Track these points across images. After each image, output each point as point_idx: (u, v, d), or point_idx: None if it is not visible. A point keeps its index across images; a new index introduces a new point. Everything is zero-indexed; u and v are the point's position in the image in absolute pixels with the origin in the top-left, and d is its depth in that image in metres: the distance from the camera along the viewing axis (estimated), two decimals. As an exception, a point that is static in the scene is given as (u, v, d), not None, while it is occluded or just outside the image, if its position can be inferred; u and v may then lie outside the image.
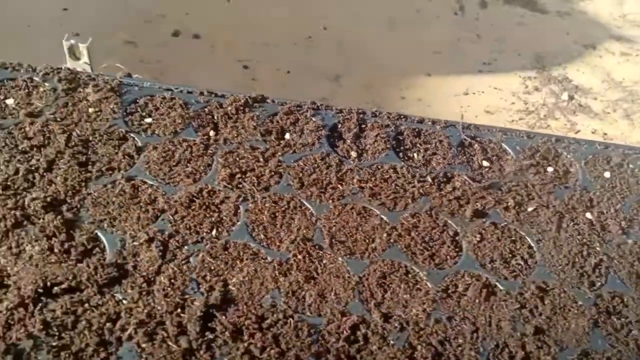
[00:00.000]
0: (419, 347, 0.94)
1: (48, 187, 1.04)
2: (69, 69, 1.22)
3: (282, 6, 3.09)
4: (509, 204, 1.16)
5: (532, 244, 1.12)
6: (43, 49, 2.49)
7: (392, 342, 0.95)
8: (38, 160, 1.07)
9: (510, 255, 1.09)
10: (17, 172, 1.05)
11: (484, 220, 1.13)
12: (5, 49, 2.53)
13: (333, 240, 1.06)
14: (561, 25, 3.42)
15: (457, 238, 1.10)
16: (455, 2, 3.34)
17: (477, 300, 1.02)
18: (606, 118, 2.97)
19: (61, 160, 1.07)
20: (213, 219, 1.06)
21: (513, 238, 1.12)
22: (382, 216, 1.11)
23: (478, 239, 1.10)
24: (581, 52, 3.29)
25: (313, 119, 1.25)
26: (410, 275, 1.04)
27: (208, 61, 2.74)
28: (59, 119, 1.14)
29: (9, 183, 1.03)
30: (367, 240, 1.07)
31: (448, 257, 1.07)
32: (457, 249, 1.08)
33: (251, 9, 3.07)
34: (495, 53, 3.10)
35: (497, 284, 1.05)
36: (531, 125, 2.82)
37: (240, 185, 1.12)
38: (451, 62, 3.00)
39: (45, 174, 1.05)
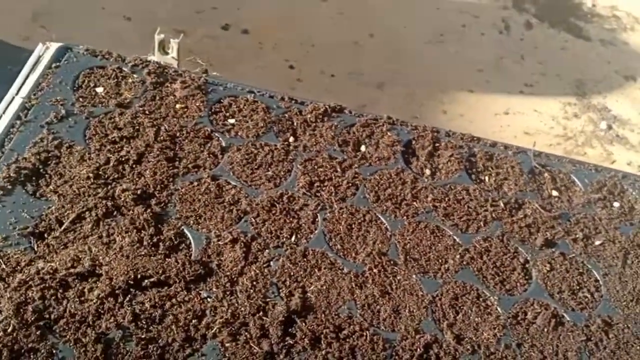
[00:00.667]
0: (489, 371, 0.96)
1: (138, 179, 1.06)
2: (157, 62, 1.24)
3: (332, 9, 3.11)
4: (578, 236, 1.18)
5: (599, 278, 1.14)
6: (95, 31, 2.52)
7: (464, 363, 0.97)
8: (128, 152, 1.09)
9: (578, 287, 1.11)
10: (107, 161, 1.07)
11: (553, 250, 1.15)
12: (60, 25, 2.56)
13: (407, 256, 1.08)
14: (603, 53, 3.43)
15: (527, 266, 1.12)
16: (501, 21, 3.35)
17: (545, 330, 1.04)
18: (643, 150, 2.98)
19: (150, 154, 1.10)
20: (292, 225, 1.08)
21: (581, 270, 1.14)
22: (455, 237, 1.13)
23: (548, 269, 1.12)
24: (621, 82, 3.30)
25: (389, 133, 1.27)
26: (481, 299, 1.06)
27: (255, 57, 2.76)
28: (147, 112, 1.16)
29: (100, 172, 1.05)
30: (440, 260, 1.09)
31: (518, 284, 1.09)
32: (527, 277, 1.10)
33: (301, 9, 3.10)
34: (537, 75, 3.11)
35: (564, 314, 1.07)
36: (568, 152, 2.84)
37: (319, 194, 1.14)
38: (494, 80, 3.01)
39: (135, 166, 1.08)
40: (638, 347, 1.05)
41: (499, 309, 1.05)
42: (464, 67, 3.04)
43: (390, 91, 2.84)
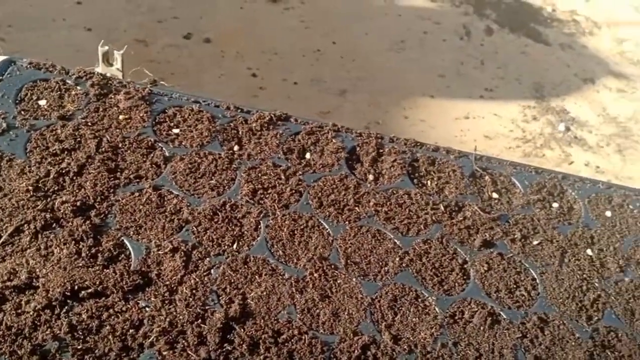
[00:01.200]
0: (426, 370, 0.99)
1: (77, 191, 1.07)
2: (101, 74, 1.25)
3: (294, 18, 3.14)
4: (516, 236, 1.22)
5: (536, 277, 1.17)
6: (55, 42, 2.51)
7: (400, 363, 0.99)
8: (69, 164, 1.10)
9: (515, 286, 1.14)
10: (47, 174, 1.08)
11: (491, 250, 1.19)
12: (22, 41, 2.55)
13: (348, 260, 1.11)
14: (563, 57, 3.51)
15: (465, 266, 1.15)
16: (462, 27, 3.42)
17: (482, 328, 1.07)
18: (599, 151, 3.06)
19: (91, 166, 1.11)
20: (235, 232, 1.10)
21: (518, 270, 1.17)
22: (396, 240, 1.16)
23: (485, 268, 1.15)
24: (580, 85, 3.39)
25: (334, 140, 1.30)
26: (420, 300, 1.08)
27: (217, 66, 2.78)
28: (90, 124, 1.17)
29: (39, 185, 1.06)
30: (380, 263, 1.12)
31: (456, 284, 1.12)
32: (465, 277, 1.13)
33: (264, 18, 3.12)
34: (497, 80, 3.18)
35: (501, 313, 1.10)
36: (527, 153, 2.90)
37: (262, 202, 1.16)
38: (454, 85, 3.07)
39: (75, 178, 1.09)
40: (573, 343, 1.09)
41: (436, 309, 1.07)
42: (425, 73, 3.10)
43: (352, 98, 2.88)
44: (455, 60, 3.20)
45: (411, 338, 1.03)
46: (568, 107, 3.20)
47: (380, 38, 3.21)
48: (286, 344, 0.97)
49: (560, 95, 3.24)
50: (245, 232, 1.11)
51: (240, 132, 1.26)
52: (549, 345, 1.07)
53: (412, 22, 3.36)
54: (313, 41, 3.07)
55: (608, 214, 1.33)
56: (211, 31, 2.92)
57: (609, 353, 1.09)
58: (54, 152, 1.12)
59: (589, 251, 1.24)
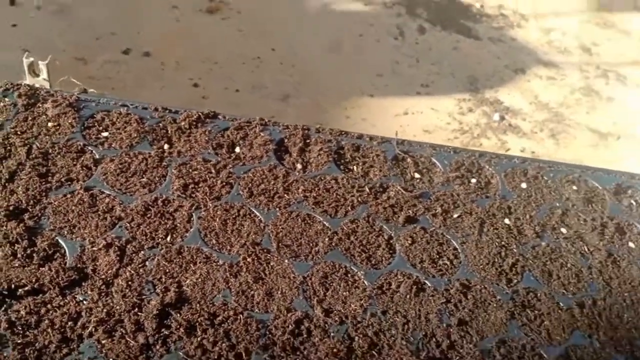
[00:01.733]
0: (356, 338, 1.05)
1: (10, 196, 1.10)
2: (28, 85, 1.28)
3: (231, 27, 3.20)
4: (437, 211, 1.30)
5: (457, 247, 1.25)
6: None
7: (332, 334, 1.05)
8: (0, 171, 1.12)
9: (438, 257, 1.22)
10: (-22, 182, 1.10)
11: (415, 225, 1.27)
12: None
13: (280, 244, 1.16)
14: (493, 50, 3.68)
15: (391, 242, 1.23)
16: (396, 28, 3.55)
17: (408, 296, 1.14)
18: (534, 137, 3.22)
19: (22, 172, 1.13)
20: (168, 225, 1.14)
21: (440, 241, 1.25)
22: (325, 222, 1.22)
23: (410, 242, 1.23)
24: (512, 76, 3.56)
25: (262, 134, 1.36)
26: (349, 275, 1.15)
27: (158, 79, 2.81)
28: (19, 133, 1.20)
29: (-29, 193, 1.08)
30: (311, 244, 1.18)
31: (383, 258, 1.19)
32: (391, 251, 1.21)
33: (201, 29, 3.17)
34: (432, 76, 3.31)
35: (426, 281, 1.18)
36: (465, 144, 3.03)
37: (194, 195, 1.20)
38: (392, 84, 3.19)
39: (7, 184, 1.11)
40: (495, 305, 1.17)
41: (365, 282, 1.14)
42: (363, 74, 3.20)
43: (295, 102, 2.95)
44: (391, 59, 3.32)
45: (342, 310, 1.09)
46: (501, 97, 3.35)
47: (318, 42, 3.30)
48: (222, 325, 1.02)
49: (493, 86, 3.39)
50: (178, 224, 1.16)
51: (169, 132, 1.31)
52: (472, 308, 1.15)
53: (348, 25, 3.46)
54: (252, 49, 3.14)
55: (524, 185, 1.43)
56: (150, 45, 2.95)
57: (529, 312, 1.18)
58: (-16, 161, 1.14)
59: (506, 220, 1.34)
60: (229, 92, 2.88)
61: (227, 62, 3.01)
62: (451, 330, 1.11)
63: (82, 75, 2.95)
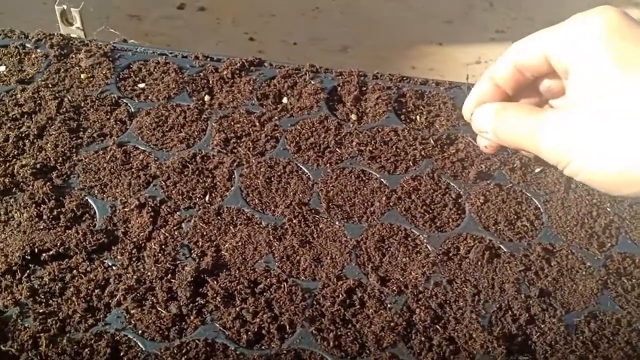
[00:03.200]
0: (417, 311, 0.91)
1: (38, 153, 1.02)
2: (61, 34, 1.19)
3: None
4: (515, 165, 1.12)
5: (539, 206, 1.07)
6: (46, 24, 2.47)
7: (389, 305, 0.92)
8: (29, 127, 1.05)
9: (516, 217, 1.05)
10: (7, 139, 1.03)
11: (488, 182, 1.09)
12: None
13: (330, 204, 1.03)
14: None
15: (459, 201, 1.06)
16: (468, -31, 3.24)
17: (479, 263, 0.98)
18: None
19: (52, 127, 1.05)
20: (206, 184, 1.03)
21: (519, 200, 1.08)
22: (382, 179, 1.07)
23: (482, 201, 1.06)
24: (599, 18, 3.18)
25: (312, 82, 1.21)
26: (409, 239, 1.00)
27: (214, 34, 2.70)
28: (50, 86, 1.11)
29: (-1, 150, 1.01)
30: (365, 204, 1.04)
31: (450, 220, 1.03)
32: (459, 212, 1.05)
33: (257, -19, 3.02)
34: (508, 20, 3.01)
35: (501, 246, 1.01)
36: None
37: (235, 150, 1.08)
38: (463, 31, 2.91)
39: (35, 140, 1.03)
40: (583, 272, 0.99)
41: (428, 247, 0.99)
42: (431, 21, 2.95)
43: (355, 53, 2.76)
44: (462, 4, 3.04)
45: (401, 279, 0.95)
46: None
47: (381, -13, 3.07)
48: (264, 294, 0.91)
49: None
50: (218, 183, 1.04)
51: (210, 82, 1.19)
52: (556, 276, 0.98)
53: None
54: (308, 1, 2.96)
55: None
56: (205, -1, 2.84)
57: (625, 280, 0.99)
58: (14, 116, 1.06)
59: (599, 175, 1.13)
60: (286, 45, 2.73)
61: (284, 15, 2.85)
62: (531, 302, 0.94)
63: (138, 32, 2.88)
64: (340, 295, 0.91)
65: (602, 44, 0.55)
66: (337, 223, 1.01)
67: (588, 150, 0.54)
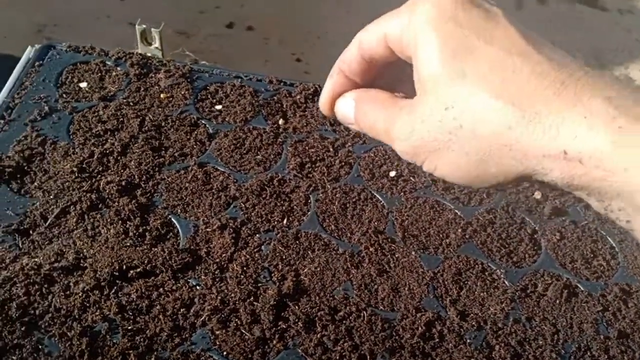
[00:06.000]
0: (497, 347, 0.91)
1: (122, 170, 1.04)
2: (140, 54, 1.22)
3: (335, 2, 3.06)
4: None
5: (614, 245, 1.06)
6: (100, 38, 2.52)
7: (469, 340, 0.91)
8: (112, 144, 1.07)
9: (592, 256, 1.04)
10: (92, 155, 1.05)
11: (563, 218, 1.09)
12: (66, 36, 2.58)
13: (406, 233, 1.03)
14: (622, 23, 3.30)
15: (535, 236, 1.06)
16: (513, -2, 3.26)
17: (557, 301, 0.97)
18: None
19: (135, 145, 1.07)
20: (284, 207, 1.04)
21: (594, 238, 1.07)
22: (456, 211, 1.07)
23: (558, 238, 1.05)
24: (644, 51, 3.17)
25: (383, 109, 1.22)
26: (487, 273, 1.00)
27: (261, 53, 2.74)
28: (131, 104, 1.14)
29: (84, 166, 1.03)
30: (441, 235, 1.04)
31: (526, 255, 1.03)
32: (535, 248, 1.04)
33: (304, 3, 3.06)
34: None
35: (578, 284, 1.00)
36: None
37: (310, 175, 1.10)
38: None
39: (119, 157, 1.05)
40: (661, 316, 0.98)
41: (506, 282, 0.99)
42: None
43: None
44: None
45: (480, 314, 0.95)
46: (633, 74, 2.99)
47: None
48: (344, 322, 0.91)
49: (622, 62, 3.04)
50: (295, 207, 1.05)
51: (284, 106, 1.21)
52: (634, 318, 0.97)
53: (459, -3, 3.22)
54: (356, 24, 2.96)
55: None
56: (253, 19, 2.88)
57: None
58: (97, 133, 1.09)
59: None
60: (331, 66, 2.76)
61: (330, 37, 2.88)
62: (610, 343, 0.93)
63: (187, 49, 2.94)
64: (420, 328, 0.91)
65: (433, 29, 0.52)
66: (413, 253, 1.01)
67: (435, 148, 0.52)
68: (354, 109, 0.62)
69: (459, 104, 0.50)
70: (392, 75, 0.63)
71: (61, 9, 2.77)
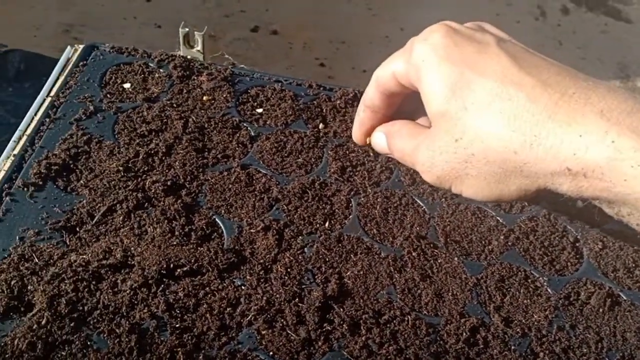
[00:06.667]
0: (541, 354, 0.90)
1: (167, 171, 1.05)
2: (182, 56, 1.23)
3: (360, 6, 3.08)
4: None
5: (657, 255, 1.06)
6: (127, 39, 2.55)
7: (513, 347, 0.91)
8: (157, 144, 1.08)
9: (634, 265, 1.04)
10: (137, 155, 1.06)
11: (605, 227, 1.08)
12: (93, 36, 2.61)
13: (448, 239, 1.03)
14: (647, 34, 3.29)
15: (577, 245, 1.06)
16: (537, 8, 3.26)
17: (601, 310, 0.97)
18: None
19: (179, 146, 1.08)
20: (326, 211, 1.05)
21: (636, 247, 1.06)
22: (498, 218, 1.07)
23: (600, 247, 1.05)
24: (668, 63, 3.15)
25: (422, 115, 1.23)
26: (529, 281, 1.00)
27: (286, 57, 2.76)
28: (175, 105, 1.15)
29: (129, 165, 1.04)
30: (483, 242, 1.04)
31: (569, 263, 1.03)
32: (578, 256, 1.04)
33: (329, 8, 3.08)
34: (577, 60, 3.00)
35: (620, 294, 1.00)
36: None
37: (352, 179, 1.10)
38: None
39: (164, 158, 1.07)
40: None
41: (549, 290, 0.99)
42: (499, 56, 2.96)
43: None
44: (532, 41, 3.02)
45: (524, 321, 0.94)
46: (656, 86, 2.98)
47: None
48: (388, 325, 0.91)
49: (647, 74, 3.03)
50: (337, 210, 1.06)
51: (324, 110, 1.21)
52: (678, 329, 0.96)
53: (484, 5, 3.22)
54: (380, 28, 3.00)
55: None
56: (278, 23, 2.90)
57: None
58: (142, 133, 1.10)
59: None
60: (356, 72, 2.77)
61: (354, 42, 2.90)
62: (654, 354, 0.93)
63: (212, 52, 2.96)
64: (465, 333, 0.91)
65: (432, 69, 0.57)
66: (455, 259, 1.01)
67: (456, 175, 0.57)
68: (386, 146, 0.69)
69: (467, 135, 0.54)
70: (412, 104, 0.68)
71: (88, 10, 2.81)
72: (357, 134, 0.73)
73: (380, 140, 0.70)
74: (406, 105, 0.70)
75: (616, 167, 0.47)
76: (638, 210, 0.48)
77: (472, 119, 0.54)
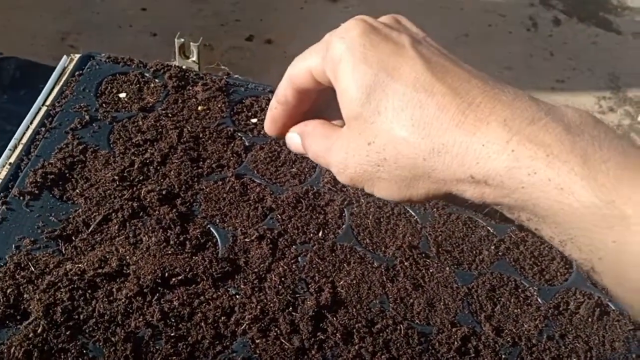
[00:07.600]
0: (531, 364, 0.92)
1: (162, 180, 1.06)
2: (177, 66, 1.25)
3: (353, 15, 3.10)
4: (619, 222, 1.13)
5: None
6: (123, 47, 2.56)
7: (504, 356, 0.92)
8: (152, 154, 1.09)
9: (622, 276, 1.06)
10: (132, 164, 1.07)
11: (593, 237, 1.10)
12: (89, 44, 2.62)
13: (440, 249, 1.05)
14: (637, 46, 3.33)
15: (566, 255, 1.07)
16: (529, 19, 3.29)
17: (590, 319, 0.98)
18: (684, 142, 2.87)
19: (174, 155, 1.10)
20: (319, 220, 1.06)
21: (624, 258, 1.08)
22: (489, 228, 1.09)
23: (589, 257, 1.07)
24: (658, 74, 3.19)
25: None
26: (520, 290, 1.01)
27: (280, 66, 2.74)
28: (170, 115, 1.16)
29: (125, 174, 1.05)
30: (474, 252, 1.05)
31: (558, 273, 1.04)
32: (567, 266, 1.06)
33: (323, 17, 3.10)
34: (568, 71, 3.04)
35: (609, 303, 1.01)
36: (605, 146, 2.75)
37: (345, 189, 1.11)
38: (523, 78, 2.95)
39: (159, 167, 1.08)
40: (694, 337, 0.99)
41: (539, 299, 1.00)
42: (491, 66, 2.99)
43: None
44: (523, 52, 3.08)
45: (514, 330, 0.96)
46: (647, 97, 3.02)
47: (443, 32, 3.12)
48: (381, 334, 0.92)
49: (638, 85, 3.06)
50: (330, 220, 1.07)
51: (319, 120, 1.23)
52: (666, 338, 0.98)
53: (476, 16, 3.26)
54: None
55: None
56: (272, 32, 2.93)
57: None
58: (137, 142, 1.11)
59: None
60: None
61: (348, 52, 2.92)
62: (642, 363, 0.94)
63: (207, 60, 2.98)
64: (456, 342, 0.92)
65: (348, 70, 0.56)
66: (447, 269, 1.02)
67: (368, 177, 0.58)
68: (301, 146, 0.68)
69: (379, 139, 0.55)
70: (326, 101, 0.68)
71: (84, 18, 2.82)
72: (270, 129, 0.70)
73: (295, 141, 0.69)
74: (319, 102, 0.68)
75: (514, 175, 0.48)
76: (536, 215, 0.50)
77: (385, 123, 0.54)
